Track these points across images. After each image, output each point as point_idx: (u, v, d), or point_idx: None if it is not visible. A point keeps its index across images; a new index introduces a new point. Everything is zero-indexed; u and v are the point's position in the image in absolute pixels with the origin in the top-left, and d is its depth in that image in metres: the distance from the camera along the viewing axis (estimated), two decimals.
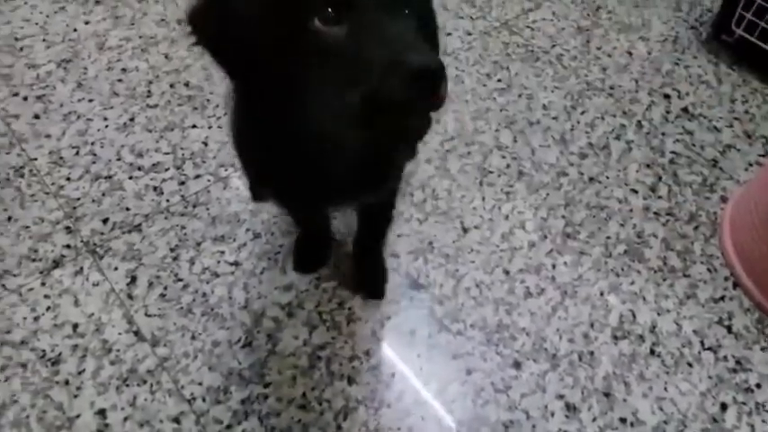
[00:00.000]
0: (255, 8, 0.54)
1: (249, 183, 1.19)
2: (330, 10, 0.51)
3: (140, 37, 1.45)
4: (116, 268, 1.06)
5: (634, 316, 1.06)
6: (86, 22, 1.48)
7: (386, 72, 0.47)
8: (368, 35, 0.50)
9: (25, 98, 1.31)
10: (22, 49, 1.41)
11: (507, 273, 1.09)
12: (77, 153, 1.22)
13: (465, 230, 1.15)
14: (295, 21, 0.51)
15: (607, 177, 1.25)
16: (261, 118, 0.65)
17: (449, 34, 1.51)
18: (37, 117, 1.28)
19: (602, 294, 1.08)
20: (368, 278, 1.07)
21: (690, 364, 1.00)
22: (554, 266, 1.11)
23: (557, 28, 1.56)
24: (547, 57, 1.48)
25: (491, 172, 1.24)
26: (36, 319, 1.00)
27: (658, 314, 1.06)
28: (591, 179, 1.24)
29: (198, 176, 1.20)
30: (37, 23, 1.47)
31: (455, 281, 1.08)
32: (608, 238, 1.15)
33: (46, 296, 1.02)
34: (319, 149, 0.66)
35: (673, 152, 1.31)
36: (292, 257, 1.10)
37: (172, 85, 1.35)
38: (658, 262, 1.13)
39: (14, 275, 1.04)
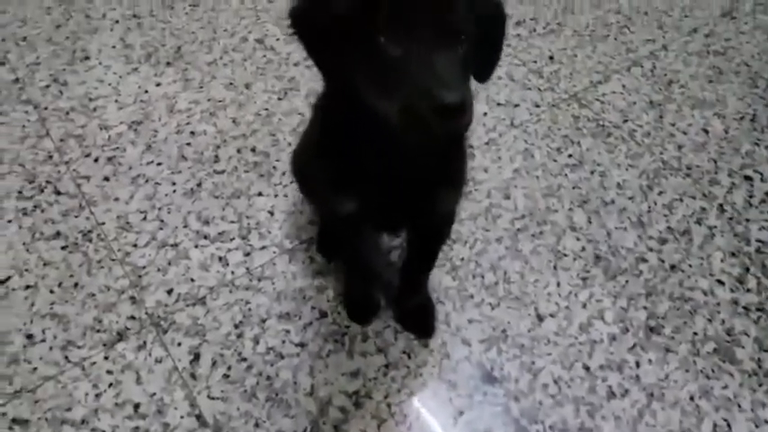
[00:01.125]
0: (348, 14, 0.63)
1: (319, 232, 1.17)
2: (391, 33, 0.61)
3: (209, 100, 1.47)
4: (179, 344, 1.03)
5: (729, 426, 0.97)
6: (158, 84, 1.51)
7: (420, 97, 0.59)
8: (415, 61, 0.61)
9: (96, 159, 1.32)
10: (95, 109, 1.44)
11: (587, 369, 1.02)
12: (145, 218, 1.22)
13: (540, 318, 1.09)
14: (368, 33, 0.62)
15: (690, 266, 1.18)
16: (342, 113, 0.75)
17: (516, 105, 1.49)
18: (107, 179, 1.29)
19: (692, 399, 1.00)
20: (415, 315, 1.08)
21: None
22: (638, 364, 1.03)
23: (627, 102, 1.52)
24: (619, 132, 1.44)
25: (565, 255, 1.19)
26: (98, 396, 0.97)
27: (756, 425, 0.97)
28: (672, 267, 1.18)
29: (263, 248, 1.17)
30: (110, 84, 1.50)
31: (531, 375, 1.01)
32: (695, 334, 1.08)
33: (108, 371, 1.00)
34: (382, 145, 0.72)
35: (759, 240, 1.23)
36: (345, 307, 1.08)
37: (239, 151, 1.35)
38: (752, 364, 1.04)
39: (78, 347, 1.02)
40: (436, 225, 0.95)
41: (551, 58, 1.64)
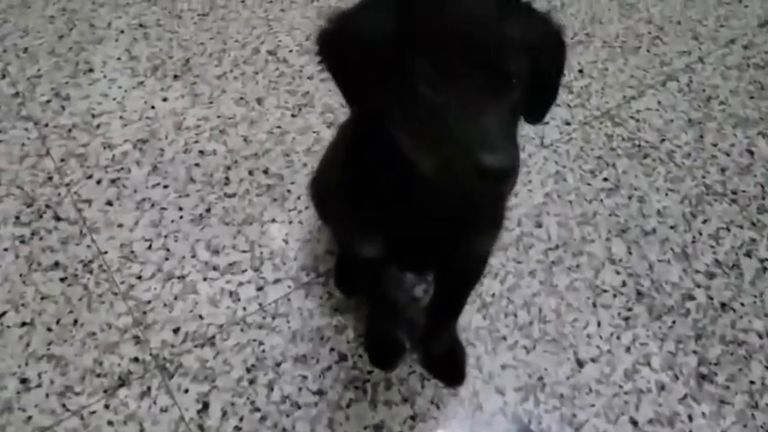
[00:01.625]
0: (381, 45, 0.56)
1: (337, 263, 1.09)
2: (430, 74, 0.53)
3: (218, 117, 1.38)
4: (186, 390, 0.95)
5: None
6: (164, 99, 1.42)
7: (460, 154, 0.51)
8: (457, 111, 0.52)
9: (99, 181, 1.24)
10: (98, 126, 1.35)
11: (635, 423, 0.93)
12: (150, 247, 1.13)
13: (580, 364, 0.99)
14: (408, 75, 0.54)
15: (742, 304, 1.08)
16: (369, 145, 0.67)
17: (545, 123, 1.39)
18: (110, 204, 1.20)
19: None
20: (443, 360, 0.99)
21: None
22: (690, 418, 0.94)
23: (664, 120, 1.42)
24: (657, 153, 1.34)
25: (605, 290, 1.09)
26: None
27: None
28: (723, 305, 1.08)
29: (277, 281, 1.09)
30: (115, 99, 1.42)
31: (573, 430, 0.92)
32: (752, 383, 0.98)
33: (109, 422, 0.91)
34: (414, 184, 0.64)
35: None
36: (366, 350, 0.99)
37: (251, 173, 1.27)
38: None
39: (77, 393, 0.94)
40: (469, 267, 0.86)
41: (581, 71, 1.54)
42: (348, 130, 0.76)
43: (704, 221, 1.21)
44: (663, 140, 1.37)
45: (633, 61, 1.58)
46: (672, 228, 1.20)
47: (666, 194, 1.26)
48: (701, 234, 1.19)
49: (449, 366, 0.98)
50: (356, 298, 1.06)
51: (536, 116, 0.66)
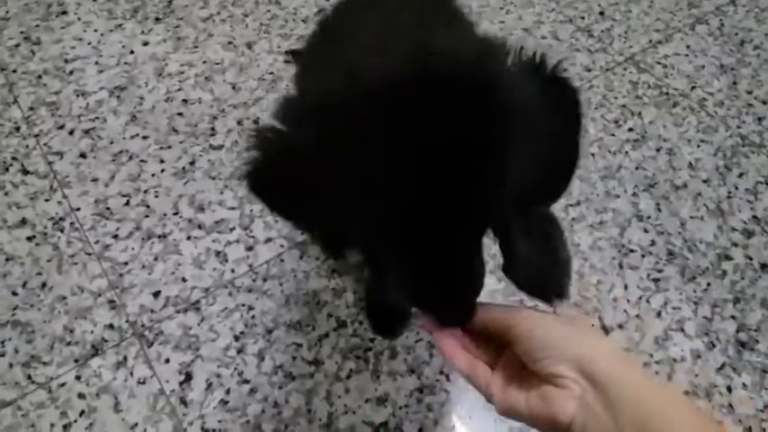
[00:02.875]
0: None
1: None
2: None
3: (204, 62, 1.26)
4: (167, 360, 0.85)
5: None
6: (145, 43, 1.29)
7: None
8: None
9: (71, 132, 1.12)
10: (71, 72, 1.23)
11: None
12: (127, 203, 1.02)
13: (606, 330, 0.89)
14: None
15: None
16: None
17: (564, 70, 1.26)
18: (83, 156, 1.08)
19: None
20: (542, 272, 0.75)
21: None
22: (729, 390, 0.84)
23: (694, 65, 1.29)
24: (687, 102, 1.22)
25: (632, 250, 0.98)
26: (66, 427, 0.78)
27: None
28: (763, 266, 0.97)
29: (269, 240, 0.98)
30: (90, 43, 1.29)
31: None
32: None
33: (80, 395, 0.81)
34: None
35: None
36: (367, 317, 0.90)
37: (239, 122, 1.14)
38: None
39: (44, 363, 0.84)
40: None
41: (602, 13, 1.40)
42: None
43: (740, 175, 1.10)
44: (693, 88, 1.25)
45: (659, 2, 1.44)
46: (705, 182, 1.08)
47: (698, 146, 1.14)
48: (736, 188, 1.08)
49: (552, 278, 0.68)
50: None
51: (546, 196, 0.53)
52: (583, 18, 1.39)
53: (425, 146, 0.39)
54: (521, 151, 0.41)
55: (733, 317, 0.91)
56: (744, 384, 0.85)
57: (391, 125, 0.39)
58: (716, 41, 1.35)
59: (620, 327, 0.90)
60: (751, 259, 0.98)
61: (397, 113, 0.39)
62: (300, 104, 0.47)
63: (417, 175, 0.39)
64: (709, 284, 0.95)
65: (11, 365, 0.84)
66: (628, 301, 0.93)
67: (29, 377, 0.83)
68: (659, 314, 0.91)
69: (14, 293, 0.91)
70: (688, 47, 1.34)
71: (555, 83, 0.46)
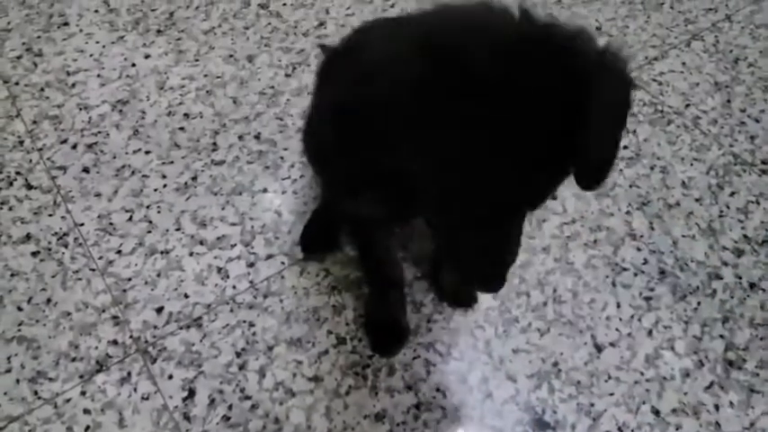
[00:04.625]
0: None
1: (306, 225, 1.01)
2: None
3: (205, 76, 1.27)
4: (170, 376, 0.87)
5: None
6: (146, 56, 1.30)
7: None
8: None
9: (74, 146, 1.14)
10: (74, 85, 1.24)
11: (657, 413, 0.86)
12: (130, 219, 1.04)
13: (598, 348, 0.92)
14: None
15: None
16: None
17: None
18: (86, 171, 1.10)
19: None
20: (456, 285, 0.94)
21: None
22: (717, 408, 0.87)
23: (689, 83, 1.31)
24: (681, 120, 1.24)
25: (625, 269, 1.01)
26: None
27: None
28: (752, 285, 1.00)
29: (270, 257, 1.00)
30: (92, 55, 1.30)
31: (591, 420, 0.85)
32: None
33: (86, 411, 0.83)
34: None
35: None
36: (366, 334, 0.91)
37: (240, 137, 1.16)
38: None
39: (50, 379, 0.86)
40: None
41: (599, 29, 1.42)
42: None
43: (732, 194, 1.12)
44: (687, 105, 1.27)
45: (656, 19, 1.46)
46: (697, 200, 1.11)
47: (691, 164, 1.16)
48: (728, 207, 1.10)
49: (460, 289, 0.94)
50: (317, 257, 0.99)
51: (589, 179, 0.52)
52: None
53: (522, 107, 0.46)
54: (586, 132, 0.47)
55: (722, 336, 0.94)
56: (731, 403, 0.87)
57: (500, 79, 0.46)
58: (711, 58, 1.37)
59: (612, 345, 0.92)
60: (740, 278, 1.01)
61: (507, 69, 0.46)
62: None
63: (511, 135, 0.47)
64: (699, 304, 0.97)
65: (17, 381, 0.85)
66: (620, 319, 0.95)
67: (35, 393, 0.84)
68: (650, 333, 0.94)
69: (20, 309, 0.93)
70: (683, 63, 1.36)
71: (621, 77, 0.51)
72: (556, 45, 0.48)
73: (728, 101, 1.28)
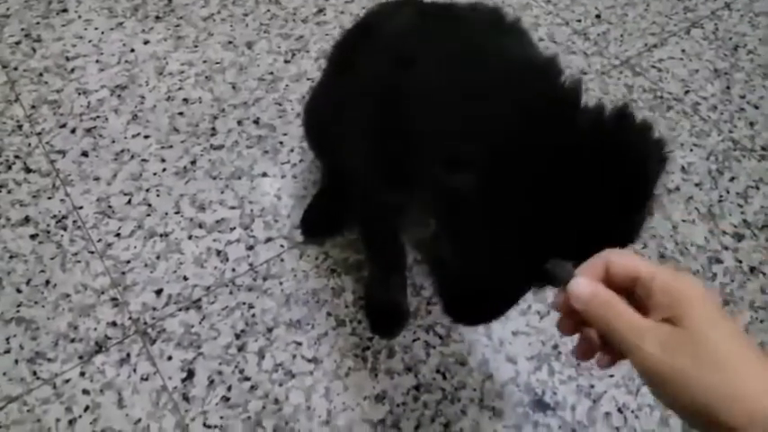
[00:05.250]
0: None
1: (307, 209, 1.01)
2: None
3: (204, 62, 1.27)
4: (170, 357, 0.87)
5: None
6: (145, 42, 1.30)
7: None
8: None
9: (73, 130, 1.13)
10: (73, 70, 1.24)
11: None
12: (129, 202, 1.03)
13: None
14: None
15: None
16: None
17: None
18: (85, 154, 1.10)
19: None
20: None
21: None
22: None
23: (688, 69, 1.31)
24: (680, 106, 1.24)
25: None
26: (71, 422, 0.80)
27: None
28: (752, 269, 1.00)
29: (269, 240, 1.00)
30: (91, 41, 1.29)
31: (590, 402, 0.85)
32: None
33: (85, 391, 0.83)
34: None
35: None
36: (366, 316, 0.91)
37: (239, 122, 1.16)
38: None
39: (49, 360, 0.86)
40: None
41: (598, 16, 1.42)
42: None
43: (731, 179, 1.12)
44: (687, 92, 1.27)
45: (655, 6, 1.46)
46: (697, 185, 1.11)
47: (691, 150, 1.16)
48: (728, 192, 1.10)
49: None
50: (317, 240, 0.98)
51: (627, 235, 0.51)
52: (579, 21, 1.41)
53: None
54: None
55: None
56: None
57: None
58: (710, 46, 1.37)
59: None
60: (741, 262, 1.01)
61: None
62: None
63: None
64: None
65: (16, 362, 0.85)
66: None
67: (34, 373, 0.84)
68: None
69: (19, 291, 0.92)
70: (683, 51, 1.36)
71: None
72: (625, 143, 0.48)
73: (728, 87, 1.28)
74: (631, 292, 0.40)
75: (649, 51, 1.35)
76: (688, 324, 0.36)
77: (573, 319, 0.43)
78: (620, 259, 0.41)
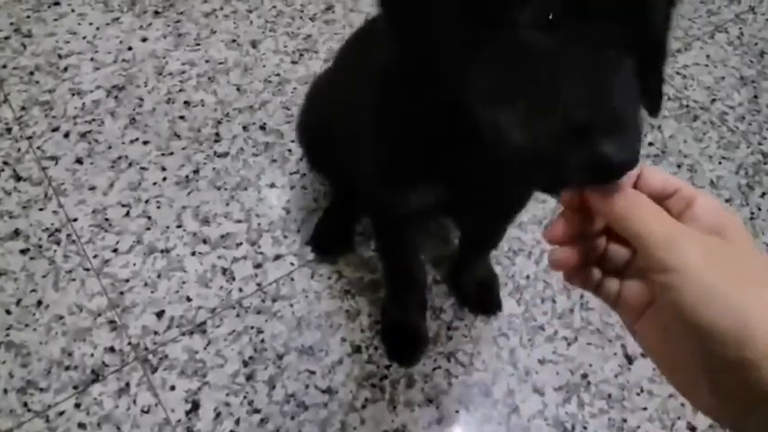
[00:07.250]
0: None
1: (318, 224, 0.96)
2: (546, 15, 0.37)
3: (207, 61, 1.19)
4: (173, 387, 0.80)
5: None
6: (143, 39, 1.22)
7: (570, 134, 0.35)
8: (576, 69, 0.36)
9: (67, 135, 1.06)
10: (66, 69, 1.16)
11: (693, 429, 0.81)
12: (127, 214, 0.97)
13: (629, 359, 0.86)
14: (501, 8, 0.38)
15: None
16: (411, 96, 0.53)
17: None
18: (79, 161, 1.03)
19: None
20: (478, 288, 0.90)
21: None
22: None
23: (714, 77, 1.26)
24: (707, 115, 1.19)
25: None
26: None
27: None
28: None
29: (278, 257, 0.93)
30: (85, 37, 1.22)
31: None
32: None
33: (80, 425, 0.77)
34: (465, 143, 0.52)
35: None
36: (383, 342, 0.86)
37: (245, 128, 1.09)
38: None
39: (41, 390, 0.79)
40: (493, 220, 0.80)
41: None
42: (380, 71, 0.59)
43: (763, 194, 1.07)
44: (713, 100, 1.21)
45: (677, 9, 1.39)
46: (727, 201, 1.05)
47: (720, 162, 1.11)
48: (759, 209, 1.05)
49: (484, 294, 0.90)
50: (329, 258, 0.93)
51: (654, 103, 0.48)
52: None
53: None
54: None
55: None
56: None
57: None
58: (735, 51, 1.32)
59: (644, 356, 0.87)
60: None
61: None
62: None
63: None
64: None
65: (5, 391, 0.79)
66: None
67: (25, 404, 0.78)
68: None
69: (8, 312, 0.85)
70: (708, 56, 1.30)
71: None
72: None
73: (755, 96, 1.23)
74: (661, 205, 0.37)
75: (674, 56, 1.29)
76: (733, 240, 0.34)
77: (573, 226, 0.39)
78: (657, 173, 0.38)
